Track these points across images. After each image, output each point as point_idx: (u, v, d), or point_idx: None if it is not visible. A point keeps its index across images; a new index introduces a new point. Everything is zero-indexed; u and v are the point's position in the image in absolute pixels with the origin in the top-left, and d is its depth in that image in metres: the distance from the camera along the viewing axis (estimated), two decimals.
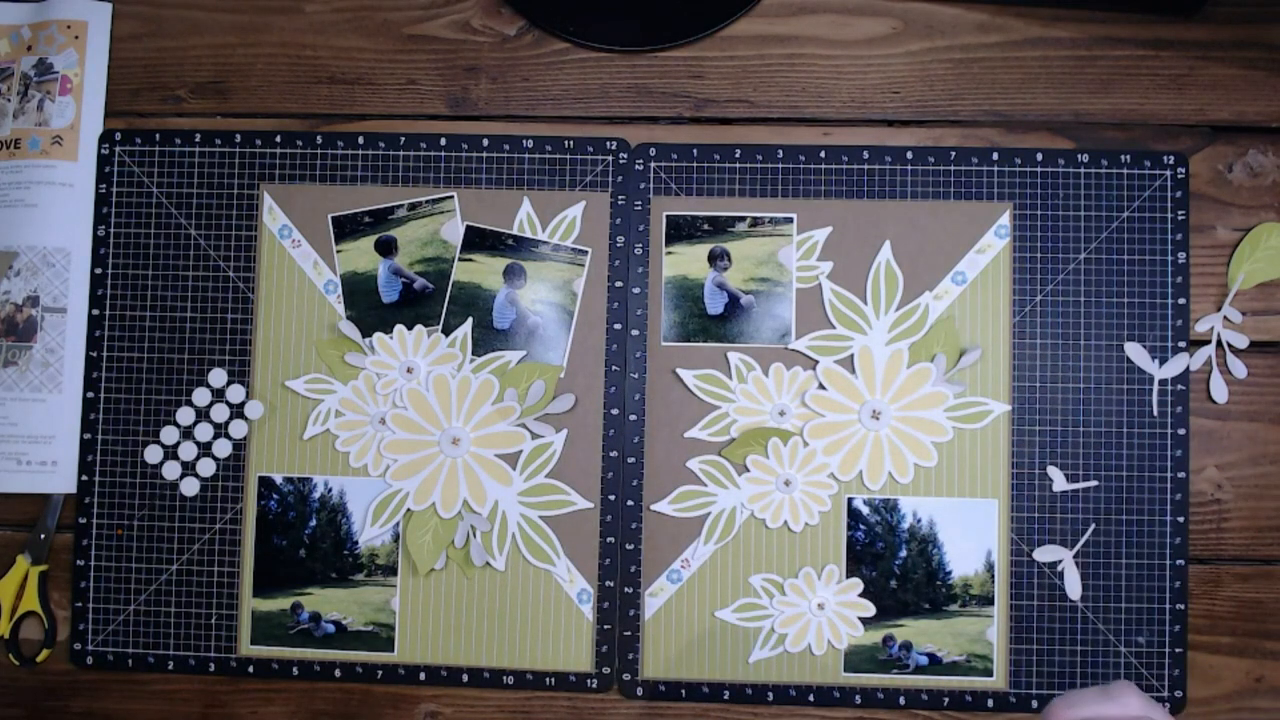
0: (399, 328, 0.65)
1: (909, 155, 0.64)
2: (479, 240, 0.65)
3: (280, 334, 0.65)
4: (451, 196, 0.66)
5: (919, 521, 0.63)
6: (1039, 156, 0.64)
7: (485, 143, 0.66)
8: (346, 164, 0.66)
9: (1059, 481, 0.62)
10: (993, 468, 0.63)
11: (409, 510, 0.64)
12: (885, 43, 0.66)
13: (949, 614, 0.63)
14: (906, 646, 0.63)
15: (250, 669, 0.64)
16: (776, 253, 0.64)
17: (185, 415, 0.65)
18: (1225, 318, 0.64)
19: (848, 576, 0.63)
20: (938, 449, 0.63)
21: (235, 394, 0.65)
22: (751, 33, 0.66)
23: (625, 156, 0.65)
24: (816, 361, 0.64)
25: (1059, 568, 0.62)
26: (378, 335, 0.65)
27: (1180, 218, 0.64)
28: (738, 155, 0.65)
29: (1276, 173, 0.64)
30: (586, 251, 0.65)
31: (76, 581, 0.65)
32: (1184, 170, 0.64)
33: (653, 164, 0.65)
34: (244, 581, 0.65)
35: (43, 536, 0.65)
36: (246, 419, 0.65)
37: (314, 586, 0.64)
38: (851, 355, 0.63)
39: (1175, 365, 0.63)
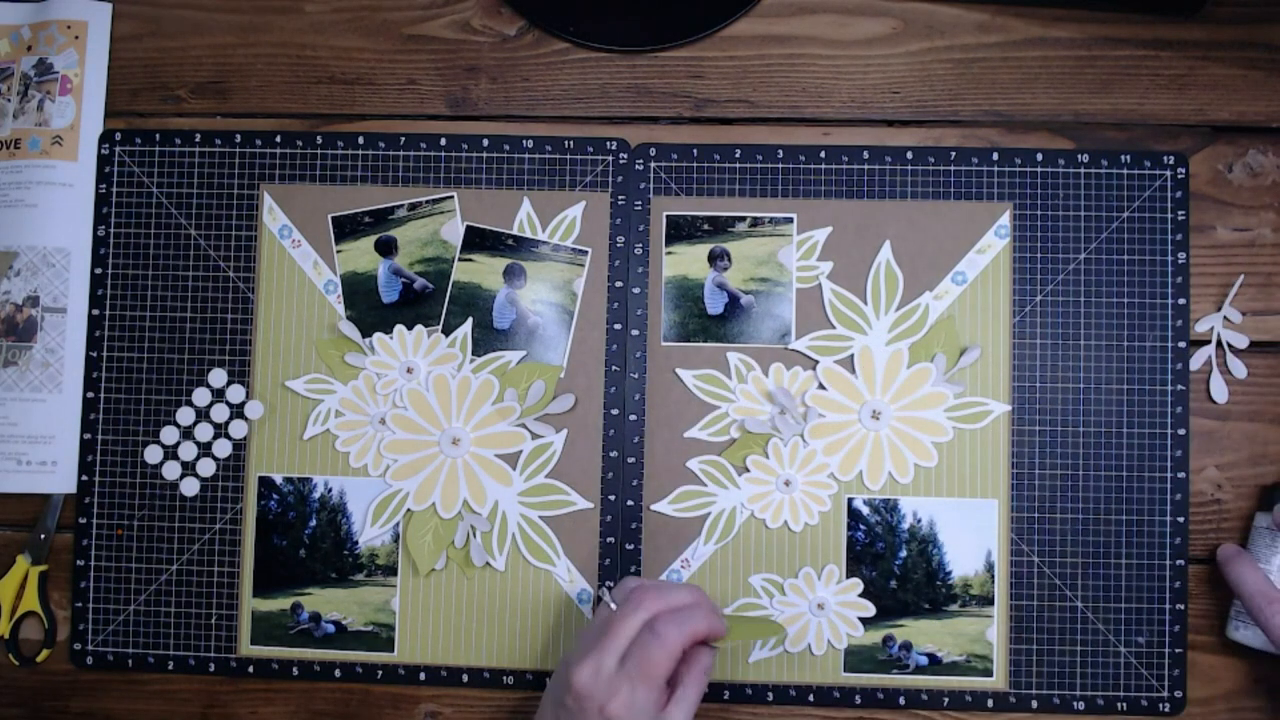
0: (399, 328, 0.65)
1: (909, 155, 0.64)
2: (479, 240, 0.65)
3: (280, 334, 0.65)
4: (451, 197, 0.66)
5: (919, 521, 0.63)
6: (1039, 156, 0.64)
7: (485, 143, 0.66)
8: (346, 164, 0.66)
9: None
10: (993, 468, 0.63)
11: (409, 510, 0.64)
12: (885, 43, 0.66)
13: (949, 614, 0.63)
14: (906, 646, 0.63)
15: (250, 669, 0.64)
16: (776, 253, 0.64)
17: (185, 415, 0.65)
18: (1225, 318, 0.64)
19: (848, 576, 0.63)
20: (938, 449, 0.63)
21: (235, 394, 0.65)
22: (751, 33, 0.66)
23: (625, 156, 0.65)
24: (816, 361, 0.64)
25: None
26: (378, 335, 0.65)
27: (1180, 218, 0.64)
28: (738, 155, 0.65)
29: (1276, 173, 0.64)
30: (586, 251, 0.65)
31: (76, 581, 0.65)
32: (1184, 170, 0.64)
33: (653, 164, 0.65)
34: (244, 581, 0.65)
35: (43, 536, 0.65)
36: (246, 419, 0.65)
37: (314, 586, 0.64)
38: (851, 355, 0.63)
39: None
